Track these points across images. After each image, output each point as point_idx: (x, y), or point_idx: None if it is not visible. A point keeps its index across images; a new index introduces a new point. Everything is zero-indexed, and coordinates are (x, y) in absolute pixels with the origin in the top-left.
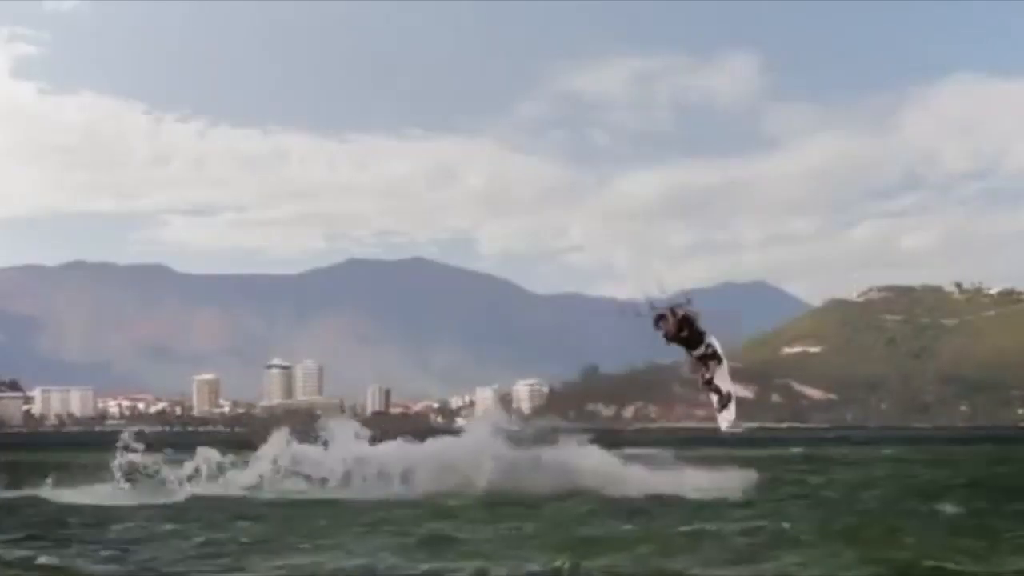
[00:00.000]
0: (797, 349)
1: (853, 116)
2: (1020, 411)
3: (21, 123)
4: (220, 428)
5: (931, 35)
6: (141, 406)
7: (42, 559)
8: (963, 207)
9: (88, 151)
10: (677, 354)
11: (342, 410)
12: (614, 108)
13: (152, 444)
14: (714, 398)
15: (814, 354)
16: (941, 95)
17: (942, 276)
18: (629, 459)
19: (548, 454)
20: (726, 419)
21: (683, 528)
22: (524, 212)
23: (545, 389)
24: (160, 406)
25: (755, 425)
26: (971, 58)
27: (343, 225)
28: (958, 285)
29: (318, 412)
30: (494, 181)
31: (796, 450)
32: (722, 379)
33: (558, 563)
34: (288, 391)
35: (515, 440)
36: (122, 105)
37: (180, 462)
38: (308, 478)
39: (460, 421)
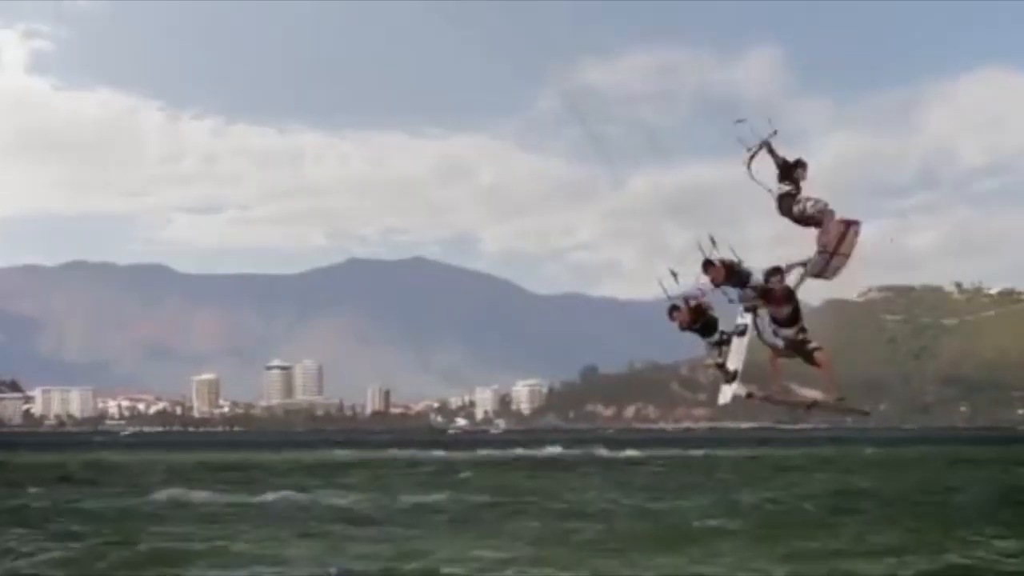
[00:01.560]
0: None
1: (874, 112)
2: (1020, 411)
3: (34, 119)
4: (220, 428)
5: (956, 29)
6: (141, 406)
7: None
8: (974, 205)
9: (100, 148)
10: (677, 354)
11: (341, 410)
12: (631, 104)
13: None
14: (722, 376)
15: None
16: (964, 90)
17: (942, 276)
18: None
19: None
20: (726, 394)
21: None
22: (533, 211)
23: (545, 389)
24: (160, 406)
25: (755, 425)
26: (996, 52)
27: (349, 223)
28: (958, 285)
29: (318, 412)
30: (505, 180)
31: (697, 452)
32: (736, 356)
33: None
34: (288, 391)
35: None
36: (137, 102)
37: None
38: None
39: (460, 421)
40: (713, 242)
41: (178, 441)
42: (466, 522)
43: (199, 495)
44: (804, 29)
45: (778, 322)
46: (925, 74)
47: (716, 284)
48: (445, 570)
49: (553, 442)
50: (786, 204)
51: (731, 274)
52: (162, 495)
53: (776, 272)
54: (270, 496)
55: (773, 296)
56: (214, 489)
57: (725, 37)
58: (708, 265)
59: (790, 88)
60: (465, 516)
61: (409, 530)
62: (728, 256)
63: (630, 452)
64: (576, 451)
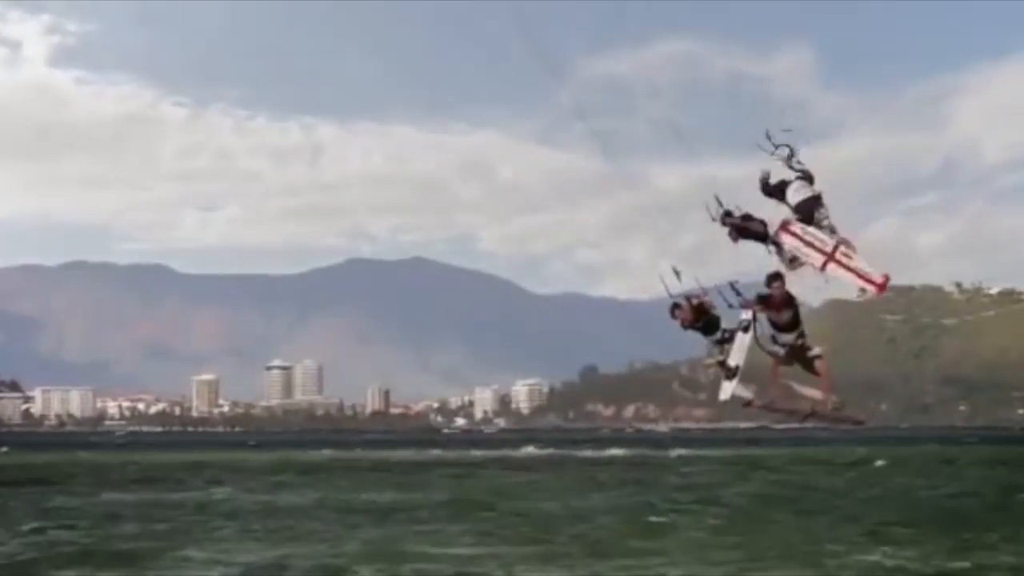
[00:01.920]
0: None
1: (902, 107)
2: (1020, 411)
3: (52, 114)
4: (220, 428)
5: (986, 22)
6: (141, 406)
7: None
8: (991, 202)
9: (114, 146)
10: (677, 354)
11: (341, 410)
12: (654, 98)
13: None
14: (723, 372)
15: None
16: (993, 83)
17: (942, 276)
18: None
19: None
20: (726, 390)
21: None
22: (541, 209)
23: (545, 389)
24: (160, 406)
25: (754, 425)
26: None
27: (358, 220)
28: (958, 285)
29: (318, 412)
30: (515, 177)
31: (679, 452)
32: (738, 353)
33: None
34: (288, 391)
35: None
36: (157, 98)
37: None
38: None
39: (459, 421)
40: (720, 202)
41: (170, 441)
42: (412, 522)
43: (147, 495)
44: (831, 23)
45: (778, 327)
46: (954, 68)
47: (734, 238)
48: (358, 567)
49: (544, 442)
50: (812, 205)
51: (744, 228)
52: (113, 496)
53: (777, 277)
54: (224, 495)
55: (772, 301)
56: (172, 489)
57: (750, 32)
58: (727, 216)
59: (816, 83)
60: (414, 516)
61: (352, 529)
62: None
63: (613, 451)
64: (561, 451)
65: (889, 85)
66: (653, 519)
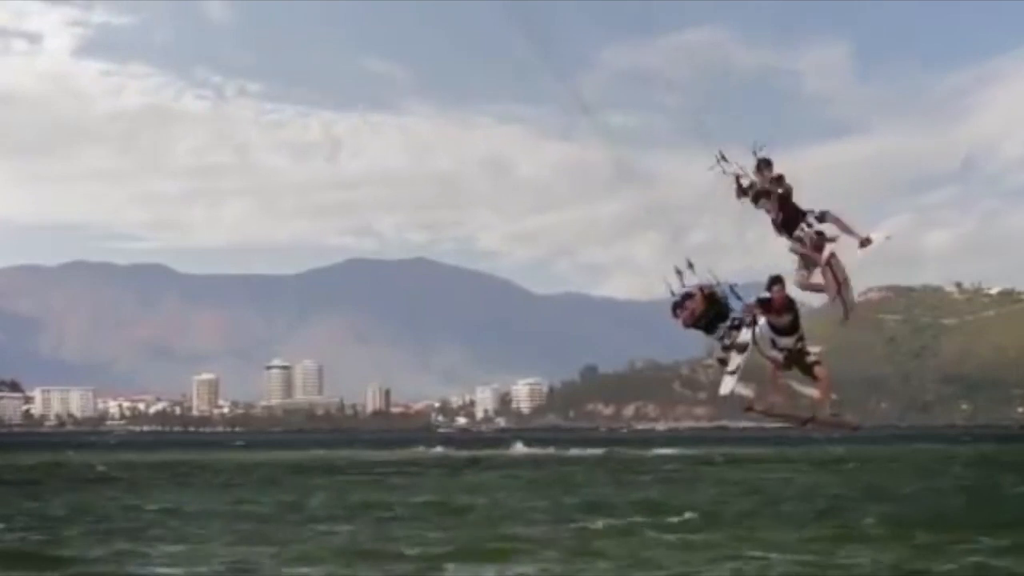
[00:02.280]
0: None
1: (929, 102)
2: (1020, 410)
3: (76, 106)
4: (220, 428)
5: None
6: (141, 406)
7: None
8: (1003, 200)
9: (133, 137)
10: (677, 354)
11: (341, 409)
12: (675, 92)
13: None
14: (734, 349)
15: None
16: (1021, 76)
17: (949, 275)
18: None
19: None
20: (726, 385)
21: None
22: (558, 207)
23: (545, 388)
24: (160, 406)
25: (752, 424)
26: None
27: (367, 217)
28: (958, 285)
29: (318, 412)
30: (536, 174)
31: (666, 451)
32: (747, 334)
33: None
34: (288, 391)
35: None
36: (182, 90)
37: None
38: None
39: (461, 420)
40: (724, 157)
41: (164, 442)
42: (381, 521)
43: (116, 495)
44: (866, 17)
45: (777, 331)
46: (981, 64)
47: (738, 194)
48: (318, 566)
49: (542, 441)
50: (823, 241)
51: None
52: (76, 497)
53: (777, 280)
54: (192, 496)
55: (773, 305)
56: (142, 489)
57: (782, 25)
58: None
59: (847, 78)
60: (384, 515)
61: (318, 528)
62: (743, 177)
63: (591, 450)
64: (549, 450)
65: (917, 80)
66: (615, 517)
